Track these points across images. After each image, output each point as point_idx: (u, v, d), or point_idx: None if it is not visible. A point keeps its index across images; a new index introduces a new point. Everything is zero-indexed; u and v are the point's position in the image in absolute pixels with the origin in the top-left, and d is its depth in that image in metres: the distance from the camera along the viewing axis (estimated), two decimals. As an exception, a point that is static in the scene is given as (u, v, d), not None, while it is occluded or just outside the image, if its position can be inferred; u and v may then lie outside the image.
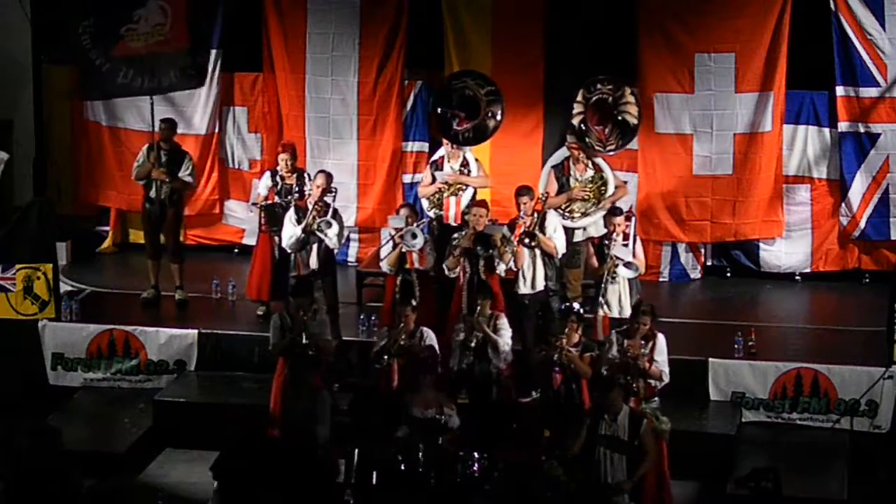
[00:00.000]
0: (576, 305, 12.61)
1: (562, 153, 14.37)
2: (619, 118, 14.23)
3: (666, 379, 12.10)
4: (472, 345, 12.41)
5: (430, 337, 12.46)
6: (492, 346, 12.45)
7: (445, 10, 15.65)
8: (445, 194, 14.23)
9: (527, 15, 15.47)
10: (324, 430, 11.67)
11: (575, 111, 14.22)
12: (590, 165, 14.12)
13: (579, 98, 14.24)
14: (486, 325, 12.48)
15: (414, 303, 12.78)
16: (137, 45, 14.91)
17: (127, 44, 14.93)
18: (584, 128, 14.17)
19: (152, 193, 14.73)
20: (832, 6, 14.91)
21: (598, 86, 14.25)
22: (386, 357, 12.28)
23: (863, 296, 15.15)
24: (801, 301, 15.52)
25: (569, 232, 13.86)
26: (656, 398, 12.07)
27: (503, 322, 12.61)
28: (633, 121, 14.26)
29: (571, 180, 14.08)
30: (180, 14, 15.09)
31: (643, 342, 12.03)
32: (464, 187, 14.25)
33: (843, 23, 14.91)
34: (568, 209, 13.97)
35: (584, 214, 13.96)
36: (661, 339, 12.13)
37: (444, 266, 13.39)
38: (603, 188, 14.05)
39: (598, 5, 15.29)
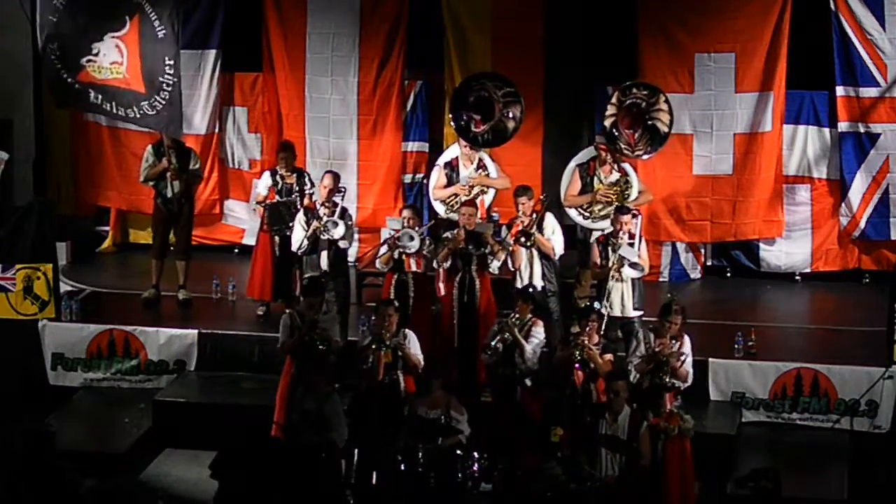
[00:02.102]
0: (597, 304, 12.60)
1: (588, 152, 14.37)
2: (650, 124, 14.22)
3: (689, 380, 12.09)
4: (499, 346, 12.42)
5: (413, 339, 12.46)
6: (519, 349, 12.45)
7: (445, 10, 15.66)
8: (468, 197, 14.17)
9: (527, 15, 15.47)
10: (339, 432, 11.64)
11: (608, 113, 14.22)
12: (616, 168, 14.12)
13: (613, 100, 14.24)
14: (520, 329, 12.50)
15: (396, 304, 12.79)
16: (100, 76, 14.72)
17: (89, 73, 14.76)
18: (615, 131, 14.16)
19: (168, 193, 14.72)
20: (832, 6, 14.91)
21: (634, 90, 14.26)
22: (371, 356, 12.29)
23: (863, 296, 15.15)
24: (801, 301, 15.52)
25: (587, 232, 13.87)
26: (678, 397, 12.09)
27: (537, 330, 12.57)
28: (664, 128, 14.24)
29: (595, 181, 14.09)
30: (135, 59, 14.78)
31: (671, 341, 12.03)
32: (486, 188, 14.24)
33: (843, 23, 14.91)
34: (588, 209, 14.00)
35: (605, 217, 13.94)
36: (687, 340, 12.14)
37: (434, 260, 13.40)
38: (626, 192, 14.05)
39: (598, 5, 15.30)
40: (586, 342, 12.07)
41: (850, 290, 15.43)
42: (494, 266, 13.26)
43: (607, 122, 14.22)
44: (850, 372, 13.07)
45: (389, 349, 12.28)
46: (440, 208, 14.33)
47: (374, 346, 12.29)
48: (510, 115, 14.26)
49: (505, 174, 14.56)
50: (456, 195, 14.24)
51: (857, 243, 15.46)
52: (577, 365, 12.04)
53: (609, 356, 12.19)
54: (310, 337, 12.36)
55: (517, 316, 12.57)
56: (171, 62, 14.72)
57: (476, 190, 14.21)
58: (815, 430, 13.07)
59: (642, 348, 12.15)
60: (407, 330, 12.51)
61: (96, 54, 14.73)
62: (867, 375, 12.98)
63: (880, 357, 13.09)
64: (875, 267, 15.45)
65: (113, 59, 14.76)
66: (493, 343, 12.44)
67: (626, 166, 14.20)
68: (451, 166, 14.40)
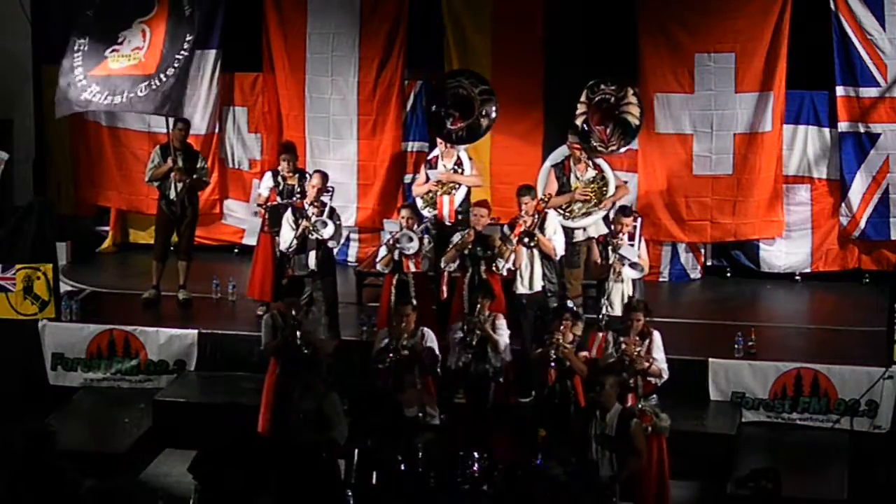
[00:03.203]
0: (570, 303, 12.59)
1: (562, 152, 14.38)
2: (621, 118, 14.25)
3: (665, 376, 12.12)
4: (473, 343, 12.43)
5: (431, 337, 12.48)
6: (492, 345, 12.47)
7: (445, 11, 15.67)
8: (438, 193, 14.24)
9: (527, 15, 15.48)
10: (340, 430, 11.63)
11: (578, 111, 14.24)
12: (591, 165, 14.15)
13: (583, 98, 14.26)
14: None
15: (414, 302, 12.80)
16: (116, 66, 14.58)
17: (107, 64, 14.62)
18: (586, 128, 14.19)
19: (171, 194, 14.72)
20: (832, 6, 14.91)
21: (602, 86, 14.28)
22: (390, 357, 12.29)
23: (863, 296, 15.14)
24: (801, 301, 15.52)
25: (568, 232, 13.88)
26: (654, 395, 12.08)
27: (501, 322, 12.63)
28: (635, 121, 14.29)
29: (572, 179, 14.11)
30: (158, 40, 14.68)
31: (639, 339, 12.05)
32: (457, 186, 14.27)
33: (843, 23, 14.92)
34: (568, 209, 14.01)
35: (585, 214, 13.99)
36: (656, 335, 12.16)
37: (441, 260, 13.41)
38: (604, 188, 14.08)
39: (598, 5, 15.31)
40: (560, 340, 12.10)
41: (850, 290, 15.42)
42: (502, 266, 13.27)
43: (578, 121, 14.23)
44: (850, 372, 13.07)
45: (406, 350, 12.29)
46: (419, 203, 14.37)
47: (390, 348, 12.29)
48: (485, 112, 14.28)
49: (478, 173, 14.60)
50: (430, 190, 14.27)
51: (857, 243, 15.47)
52: (552, 363, 12.07)
53: (584, 353, 12.23)
54: (293, 338, 12.34)
55: (481, 312, 12.57)
56: (191, 38, 14.59)
57: (448, 186, 14.25)
58: (815, 430, 13.06)
59: (611, 349, 12.19)
60: (425, 328, 12.51)
61: (121, 43, 14.66)
62: (867, 375, 12.98)
63: (880, 357, 13.08)
64: (875, 267, 15.45)
65: (136, 44, 14.61)
66: (472, 343, 12.44)
67: (601, 162, 14.22)
68: (431, 163, 14.46)
